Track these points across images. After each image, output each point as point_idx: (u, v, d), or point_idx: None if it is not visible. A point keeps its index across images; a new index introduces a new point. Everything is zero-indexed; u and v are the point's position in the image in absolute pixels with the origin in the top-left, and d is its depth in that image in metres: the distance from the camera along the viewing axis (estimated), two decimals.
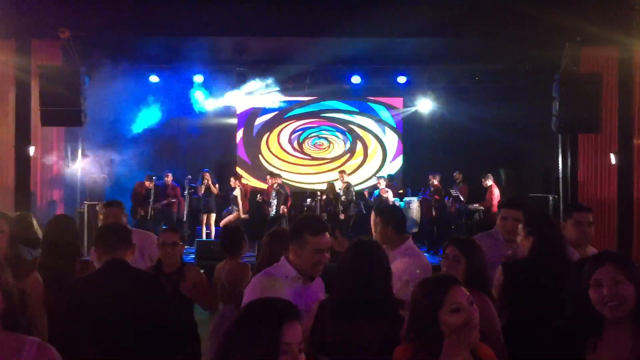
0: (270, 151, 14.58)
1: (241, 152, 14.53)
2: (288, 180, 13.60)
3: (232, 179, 12.42)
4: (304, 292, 3.01)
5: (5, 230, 3.62)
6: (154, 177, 11.91)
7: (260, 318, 1.72)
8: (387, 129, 14.55)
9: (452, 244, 3.30)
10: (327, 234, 3.03)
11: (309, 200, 12.76)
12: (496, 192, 11.64)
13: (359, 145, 14.65)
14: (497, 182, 12.15)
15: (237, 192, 12.15)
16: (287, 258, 3.06)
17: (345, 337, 2.64)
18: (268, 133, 14.50)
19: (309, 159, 14.67)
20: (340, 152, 14.67)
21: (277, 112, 14.39)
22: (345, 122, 14.60)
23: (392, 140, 14.63)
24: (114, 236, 3.31)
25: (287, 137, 14.62)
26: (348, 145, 14.65)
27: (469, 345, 2.19)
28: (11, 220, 3.94)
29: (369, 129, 14.61)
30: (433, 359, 2.16)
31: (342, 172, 12.73)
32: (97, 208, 4.67)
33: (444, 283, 2.27)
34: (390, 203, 11.62)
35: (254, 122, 14.42)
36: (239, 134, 14.58)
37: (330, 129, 14.61)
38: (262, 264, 3.68)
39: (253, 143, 14.42)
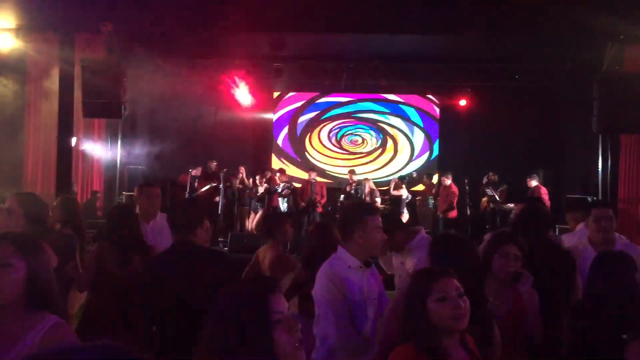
0: (314, 148, 15.13)
1: (287, 148, 15.05)
2: (331, 172, 14.57)
3: (257, 177, 12.46)
4: (366, 279, 3.14)
5: (15, 210, 3.72)
6: (200, 167, 12.00)
7: (246, 293, 1.68)
8: (416, 129, 14.98)
9: (513, 242, 3.17)
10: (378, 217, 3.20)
11: (342, 196, 12.76)
12: (545, 192, 11.44)
13: (390, 142, 15.08)
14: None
15: (261, 190, 12.19)
16: (345, 249, 3.16)
17: None
18: (311, 131, 15.10)
19: (347, 154, 15.10)
20: (372, 148, 15.10)
21: (317, 113, 14.99)
22: (376, 121, 15.12)
23: (419, 139, 15.03)
24: (175, 220, 3.41)
25: (327, 135, 15.12)
26: (379, 141, 15.10)
27: (454, 332, 2.19)
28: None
29: (398, 128, 15.07)
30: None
31: (351, 171, 12.68)
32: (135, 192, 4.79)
33: (434, 272, 2.28)
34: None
35: (297, 121, 15.04)
36: (284, 131, 15.09)
37: (364, 127, 15.09)
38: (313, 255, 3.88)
39: (297, 140, 15.11)
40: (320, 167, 14.57)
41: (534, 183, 11.58)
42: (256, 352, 1.59)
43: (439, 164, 14.72)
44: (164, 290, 3.16)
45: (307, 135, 14.94)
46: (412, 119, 14.89)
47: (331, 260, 3.16)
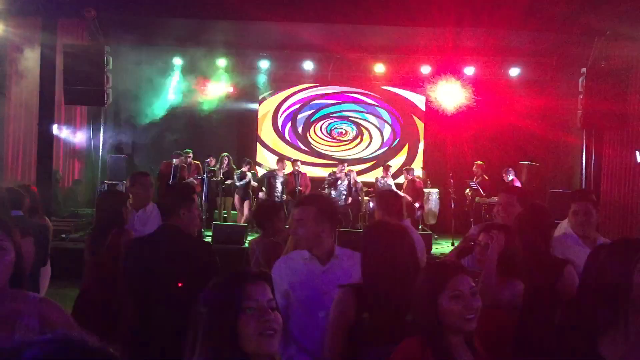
0: (313, 140, 15.49)
1: (294, 141, 15.34)
2: (336, 156, 15.08)
3: (245, 167, 12.25)
4: (323, 273, 2.98)
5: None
6: (185, 156, 11.81)
7: (224, 280, 1.74)
8: (386, 124, 15.41)
9: (485, 230, 3.18)
10: (298, 209, 3.08)
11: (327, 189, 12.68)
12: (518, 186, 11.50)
13: (366, 133, 15.46)
14: (519, 175, 12.01)
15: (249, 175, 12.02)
16: None
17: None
18: (309, 127, 15.49)
19: (336, 142, 15.44)
20: (352, 137, 15.48)
21: (312, 112, 15.39)
22: (355, 118, 15.50)
23: (387, 132, 15.47)
24: (161, 206, 3.53)
25: (319, 129, 15.48)
26: (357, 132, 15.51)
27: (462, 332, 2.12)
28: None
29: (373, 123, 15.44)
30: (441, 358, 2.08)
31: (342, 162, 12.61)
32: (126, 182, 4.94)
33: (450, 269, 2.21)
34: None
35: (297, 117, 15.40)
36: (288, 126, 15.37)
37: (347, 122, 15.47)
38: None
39: (300, 134, 15.50)
40: (325, 153, 15.26)
41: (509, 177, 11.64)
42: (218, 336, 1.66)
43: (424, 157, 14.74)
44: (144, 272, 3.20)
45: (307, 130, 15.44)
46: (384, 117, 15.39)
47: (292, 252, 3.17)
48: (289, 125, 15.37)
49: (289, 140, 15.36)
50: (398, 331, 2.34)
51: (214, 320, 1.66)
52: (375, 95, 15.21)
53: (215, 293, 1.71)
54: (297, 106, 15.38)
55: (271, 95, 15.22)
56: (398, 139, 15.31)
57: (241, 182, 11.77)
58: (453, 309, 2.09)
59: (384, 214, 4.21)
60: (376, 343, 2.52)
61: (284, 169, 11.87)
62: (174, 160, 11.65)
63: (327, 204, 3.15)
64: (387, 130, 15.41)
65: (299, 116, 15.35)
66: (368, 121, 15.39)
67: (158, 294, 3.13)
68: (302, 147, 15.27)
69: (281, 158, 12.36)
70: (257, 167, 13.82)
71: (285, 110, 15.38)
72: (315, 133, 15.40)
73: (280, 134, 15.35)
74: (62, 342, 0.95)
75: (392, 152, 15.25)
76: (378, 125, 15.37)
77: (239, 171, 11.98)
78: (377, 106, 15.33)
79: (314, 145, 15.33)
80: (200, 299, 1.73)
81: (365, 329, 2.57)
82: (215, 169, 12.02)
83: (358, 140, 15.38)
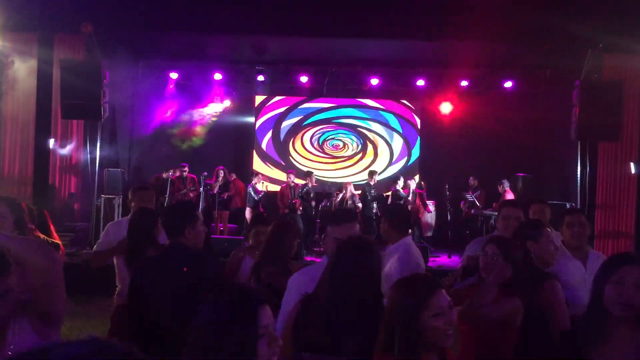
0: (297, 152, 14.57)
1: (271, 152, 14.49)
2: (316, 176, 13.62)
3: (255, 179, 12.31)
4: None
5: (6, 215, 3.57)
6: (170, 171, 11.90)
7: (238, 305, 1.72)
8: (395, 134, 14.58)
9: (492, 242, 3.13)
10: (349, 225, 3.08)
11: (324, 200, 12.69)
12: (510, 198, 11.52)
13: (370, 147, 14.58)
14: (515, 187, 12.04)
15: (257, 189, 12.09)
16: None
17: (332, 338, 2.46)
18: (294, 136, 14.55)
19: (329, 158, 14.59)
20: (353, 152, 14.59)
21: (300, 118, 14.51)
22: (356, 127, 14.67)
23: (397, 144, 14.63)
24: (164, 223, 3.47)
25: (309, 139, 14.59)
26: (360, 146, 14.57)
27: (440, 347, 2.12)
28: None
29: (378, 133, 14.62)
30: None
31: (373, 172, 12.41)
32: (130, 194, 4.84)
33: (430, 285, 2.16)
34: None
35: (280, 126, 14.50)
36: (267, 135, 14.54)
37: (345, 132, 14.60)
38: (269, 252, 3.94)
39: (281, 144, 14.58)
40: (303, 171, 13.95)
41: (504, 188, 11.67)
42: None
43: (420, 169, 14.74)
44: (151, 292, 3.18)
45: (290, 139, 14.49)
46: (392, 124, 14.53)
47: (310, 267, 3.21)
48: (269, 134, 14.49)
49: (266, 151, 14.50)
50: (333, 342, 2.38)
51: (234, 345, 1.66)
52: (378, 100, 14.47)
53: (233, 317, 1.70)
54: (282, 109, 14.46)
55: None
56: (415, 153, 14.44)
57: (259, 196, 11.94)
58: (436, 326, 2.07)
59: (391, 226, 4.12)
60: (311, 350, 2.53)
61: (314, 184, 11.91)
62: (164, 174, 11.71)
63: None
64: (398, 142, 14.56)
65: (284, 123, 14.48)
66: (372, 130, 14.51)
67: (172, 315, 3.05)
68: (281, 162, 14.44)
69: (308, 172, 12.32)
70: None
71: (265, 112, 14.47)
72: (303, 144, 14.56)
73: (257, 144, 14.51)
74: (91, 345, 0.99)
75: (407, 173, 13.74)
76: (386, 137, 14.50)
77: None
78: (383, 110, 14.49)
79: (294, 158, 14.50)
80: (209, 318, 1.71)
81: (301, 335, 2.58)
82: (210, 182, 12.06)
83: (360, 156, 14.53)
